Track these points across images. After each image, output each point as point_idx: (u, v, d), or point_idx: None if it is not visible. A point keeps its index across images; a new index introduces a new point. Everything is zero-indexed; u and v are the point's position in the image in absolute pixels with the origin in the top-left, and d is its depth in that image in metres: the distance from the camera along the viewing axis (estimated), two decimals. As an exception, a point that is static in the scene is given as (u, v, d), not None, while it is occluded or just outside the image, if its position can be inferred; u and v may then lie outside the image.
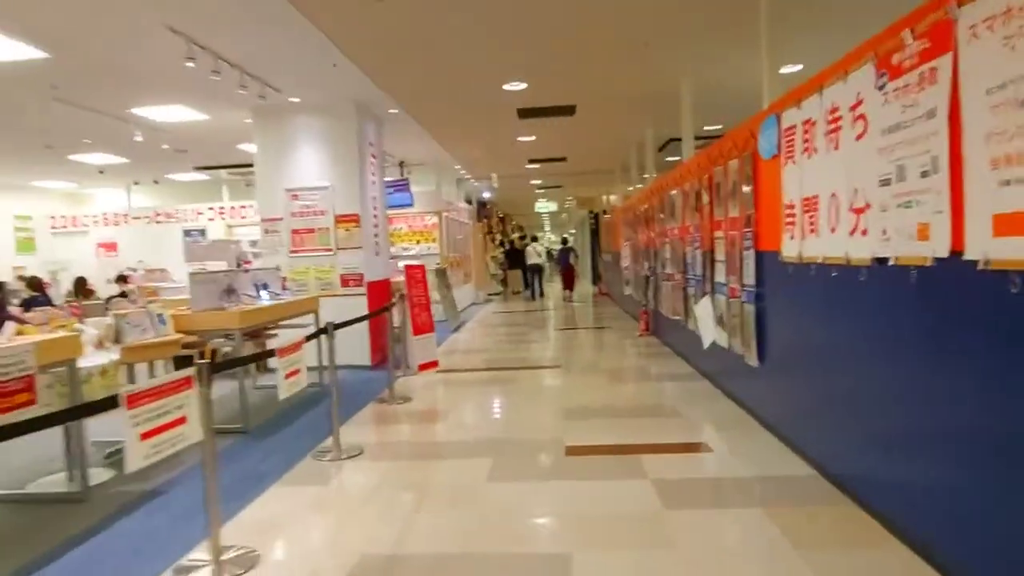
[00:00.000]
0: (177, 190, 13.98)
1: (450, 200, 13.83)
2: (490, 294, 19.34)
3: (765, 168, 4.23)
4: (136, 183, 12.91)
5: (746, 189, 4.56)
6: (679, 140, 11.20)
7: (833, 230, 3.21)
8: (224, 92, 6.52)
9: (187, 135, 8.72)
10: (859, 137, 2.92)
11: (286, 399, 3.82)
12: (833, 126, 3.18)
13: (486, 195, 18.45)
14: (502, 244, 23.08)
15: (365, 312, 7.07)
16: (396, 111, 8.10)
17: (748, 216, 4.53)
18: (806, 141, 3.52)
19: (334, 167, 7.53)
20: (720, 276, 5.27)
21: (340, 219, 7.56)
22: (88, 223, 13.45)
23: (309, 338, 4.14)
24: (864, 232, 2.89)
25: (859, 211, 2.93)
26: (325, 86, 6.96)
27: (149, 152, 10.01)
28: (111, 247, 13.26)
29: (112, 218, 13.39)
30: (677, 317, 7.26)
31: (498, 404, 5.75)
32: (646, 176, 10.77)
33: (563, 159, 13.27)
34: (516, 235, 25.86)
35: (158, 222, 13.22)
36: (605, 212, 18.22)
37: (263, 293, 6.08)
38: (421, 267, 7.86)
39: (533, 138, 10.74)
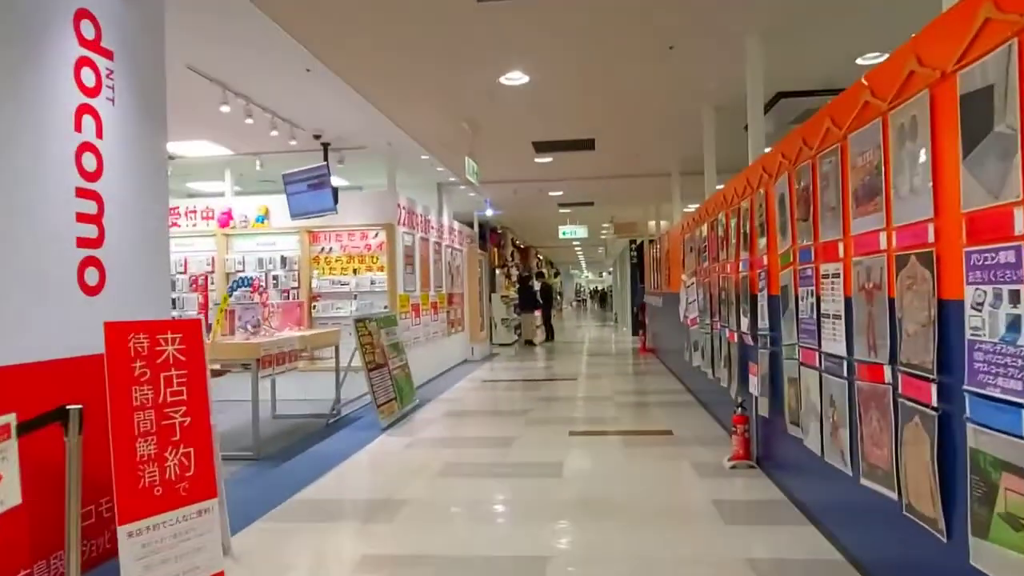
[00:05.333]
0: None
1: (413, 208, 9.00)
2: (498, 344, 14.40)
3: None
4: None
5: None
6: (798, 95, 6.21)
7: None
8: None
9: None
10: None
11: None
12: None
13: (489, 212, 13.55)
14: (521, 280, 18.30)
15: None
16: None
17: None
18: None
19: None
20: None
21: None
22: None
23: None
24: None
25: None
26: None
27: None
28: None
29: None
30: (880, 488, 2.21)
31: None
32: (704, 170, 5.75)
33: (589, 143, 8.31)
34: (535, 271, 20.96)
35: None
36: (652, 240, 13.26)
37: None
38: (176, 325, 2.96)
39: (525, 79, 5.82)
